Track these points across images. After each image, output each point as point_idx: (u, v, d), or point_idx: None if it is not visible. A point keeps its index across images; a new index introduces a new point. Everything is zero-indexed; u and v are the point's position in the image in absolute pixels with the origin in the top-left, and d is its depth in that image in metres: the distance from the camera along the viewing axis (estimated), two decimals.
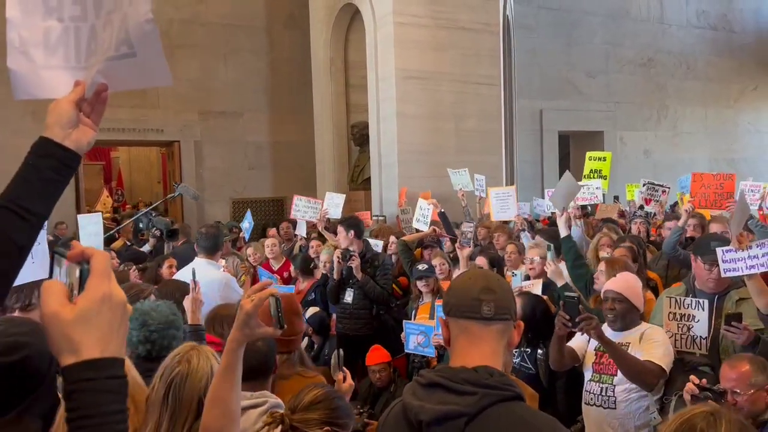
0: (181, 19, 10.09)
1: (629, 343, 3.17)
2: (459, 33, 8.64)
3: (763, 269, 3.17)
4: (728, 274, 3.29)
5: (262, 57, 10.73)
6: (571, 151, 13.07)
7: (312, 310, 5.03)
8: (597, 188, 5.93)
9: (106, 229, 7.69)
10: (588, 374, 3.29)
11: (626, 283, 3.26)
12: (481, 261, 4.94)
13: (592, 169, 6.33)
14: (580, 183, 6.17)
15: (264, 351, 2.26)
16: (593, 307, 3.96)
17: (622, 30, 12.89)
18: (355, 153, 9.73)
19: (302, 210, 6.77)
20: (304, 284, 5.74)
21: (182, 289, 3.36)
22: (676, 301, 3.56)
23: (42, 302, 0.88)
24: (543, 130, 12.15)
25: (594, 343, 3.30)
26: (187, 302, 3.16)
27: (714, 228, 4.98)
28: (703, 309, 3.42)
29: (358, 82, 9.60)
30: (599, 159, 6.85)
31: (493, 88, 8.99)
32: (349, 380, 2.69)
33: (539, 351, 3.85)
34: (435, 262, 5.02)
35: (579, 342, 3.42)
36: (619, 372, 3.12)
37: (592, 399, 3.21)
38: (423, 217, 6.06)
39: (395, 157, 8.39)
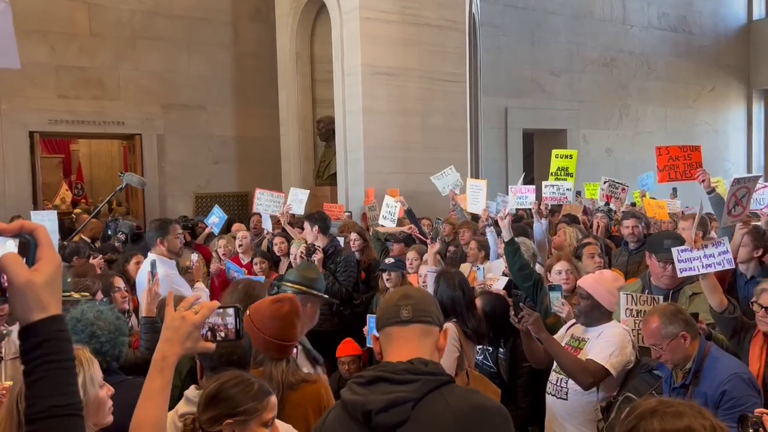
0: (144, 10, 9.88)
1: (589, 339, 3.22)
2: (425, 29, 8.66)
3: (719, 268, 3.22)
4: (684, 274, 3.34)
5: (226, 50, 10.59)
6: (535, 149, 13.23)
7: None
8: (567, 189, 5.99)
9: (68, 230, 7.57)
10: (554, 364, 3.33)
11: (596, 282, 3.27)
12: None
13: (559, 167, 6.38)
14: (548, 182, 6.26)
15: (245, 346, 2.19)
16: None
17: (585, 30, 13.08)
18: (321, 148, 9.68)
19: (265, 204, 6.71)
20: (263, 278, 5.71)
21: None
22: (633, 297, 3.63)
23: (12, 272, 1.03)
24: (508, 127, 12.27)
25: (567, 336, 3.35)
26: (144, 294, 3.15)
27: (682, 225, 5.09)
28: (656, 304, 3.50)
29: (324, 77, 9.54)
30: (566, 157, 6.92)
31: (459, 85, 9.03)
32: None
33: (501, 349, 3.88)
34: (409, 255, 5.02)
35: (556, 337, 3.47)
36: None
37: (550, 388, 3.26)
38: (390, 215, 6.06)
39: (361, 152, 8.37)
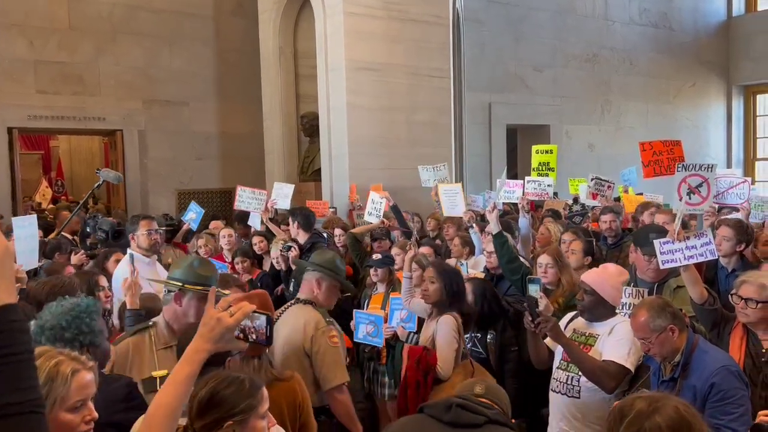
0: (125, 4, 9.76)
1: (598, 335, 3.21)
2: (410, 25, 8.64)
3: (702, 259, 3.27)
4: (666, 266, 3.38)
5: (208, 45, 10.49)
6: (518, 144, 13.28)
7: None
8: (549, 185, 6.03)
9: (49, 226, 7.44)
10: (556, 362, 3.33)
11: (599, 277, 3.26)
12: (426, 250, 5.02)
13: (540, 163, 6.41)
14: (530, 177, 6.29)
15: None
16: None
17: (568, 26, 13.15)
18: (305, 144, 9.63)
19: (246, 201, 6.61)
20: (247, 277, 5.67)
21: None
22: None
23: None
24: (491, 123, 12.31)
25: (568, 332, 3.34)
26: (124, 287, 3.19)
27: (659, 219, 5.15)
28: (643, 297, 3.53)
29: (308, 72, 9.49)
30: (546, 152, 6.96)
31: (444, 80, 9.03)
32: None
33: (489, 335, 3.92)
34: (393, 252, 5.00)
35: None
36: None
37: (557, 387, 3.23)
38: (375, 210, 6.05)
39: (346, 148, 8.34)
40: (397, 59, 8.55)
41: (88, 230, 7.01)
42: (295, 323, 3.21)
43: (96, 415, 1.82)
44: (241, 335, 1.68)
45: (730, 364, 2.67)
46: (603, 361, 3.03)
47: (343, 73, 8.23)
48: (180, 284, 2.73)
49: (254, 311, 1.67)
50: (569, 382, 3.19)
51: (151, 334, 2.74)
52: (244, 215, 7.00)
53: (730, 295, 3.12)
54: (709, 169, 4.50)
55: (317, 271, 3.33)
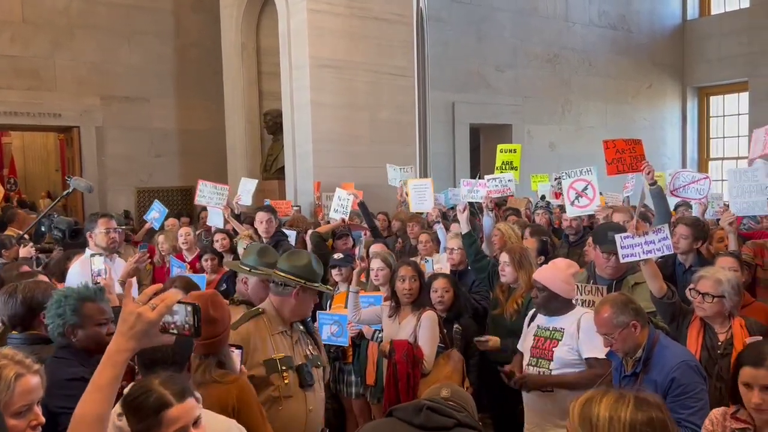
0: None
1: (563, 329, 3.26)
2: (373, 23, 8.63)
3: (659, 254, 3.36)
4: (626, 259, 3.46)
5: (168, 41, 10.30)
6: (481, 143, 13.39)
7: None
8: (510, 181, 6.09)
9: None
10: (526, 359, 3.37)
11: (549, 273, 3.34)
12: (379, 247, 5.08)
13: (504, 161, 6.50)
14: (492, 176, 6.36)
15: (185, 342, 2.13)
16: (500, 297, 4.11)
17: (529, 26, 13.30)
18: (268, 141, 9.54)
19: (207, 196, 6.48)
20: (213, 276, 5.59)
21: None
22: (579, 287, 3.73)
23: None
24: (455, 122, 12.37)
25: (533, 329, 3.40)
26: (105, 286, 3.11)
27: (617, 218, 5.25)
28: (602, 294, 3.61)
29: (270, 69, 9.40)
30: (510, 151, 7.04)
31: (407, 79, 9.05)
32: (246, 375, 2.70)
33: (455, 326, 3.98)
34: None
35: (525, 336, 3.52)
36: (555, 356, 3.22)
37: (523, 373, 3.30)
38: (341, 207, 6.01)
39: (310, 146, 8.29)
40: (360, 57, 8.53)
41: (42, 229, 6.81)
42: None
43: (43, 420, 1.75)
44: (166, 330, 1.52)
45: (690, 359, 2.74)
46: (586, 360, 3.14)
47: (307, 70, 8.18)
48: (295, 278, 2.95)
49: (179, 301, 1.53)
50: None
51: (264, 320, 2.95)
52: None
53: (687, 290, 3.20)
54: (590, 172, 4.75)
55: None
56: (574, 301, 3.49)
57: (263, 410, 2.54)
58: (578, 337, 3.18)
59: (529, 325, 3.49)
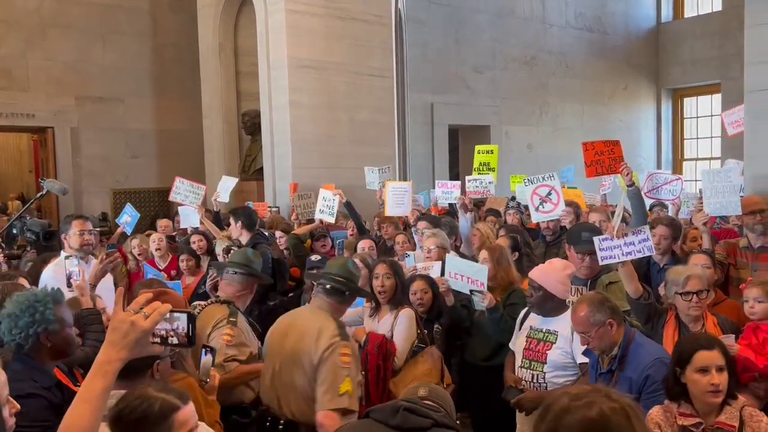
0: None
1: (557, 332, 3.28)
2: (351, 24, 8.62)
3: (640, 255, 3.39)
4: (606, 262, 3.48)
5: (144, 40, 10.19)
6: (460, 144, 13.45)
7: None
8: (489, 182, 6.13)
9: None
10: (518, 360, 3.38)
11: (545, 273, 3.35)
12: (366, 243, 5.11)
13: (481, 162, 6.54)
14: (471, 177, 6.39)
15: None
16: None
17: (507, 28, 13.39)
18: (247, 142, 9.48)
19: (183, 193, 6.36)
20: (191, 279, 5.54)
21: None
22: None
23: None
24: (434, 123, 12.41)
25: (525, 330, 3.41)
26: (76, 288, 3.21)
27: (593, 218, 5.31)
28: (579, 293, 3.64)
29: (248, 70, 9.35)
30: (487, 152, 7.08)
31: (386, 80, 9.05)
32: (218, 377, 2.74)
33: (435, 326, 4.00)
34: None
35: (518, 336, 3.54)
36: (549, 359, 3.23)
37: (524, 386, 3.29)
38: (328, 208, 5.96)
39: (288, 147, 8.25)
40: (338, 58, 8.52)
41: (14, 232, 6.68)
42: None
43: (18, 406, 1.70)
44: (159, 339, 1.48)
45: (664, 357, 2.78)
46: (580, 365, 3.16)
47: (285, 71, 8.15)
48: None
49: (171, 310, 1.49)
50: (535, 380, 3.25)
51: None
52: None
53: (664, 294, 3.25)
54: (552, 178, 4.82)
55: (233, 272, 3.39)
56: (567, 302, 3.52)
57: (209, 412, 2.53)
58: (572, 341, 3.19)
59: (521, 325, 3.50)
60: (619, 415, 1.33)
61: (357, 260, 4.34)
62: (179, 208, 6.76)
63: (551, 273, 3.34)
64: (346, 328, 3.02)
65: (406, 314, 3.66)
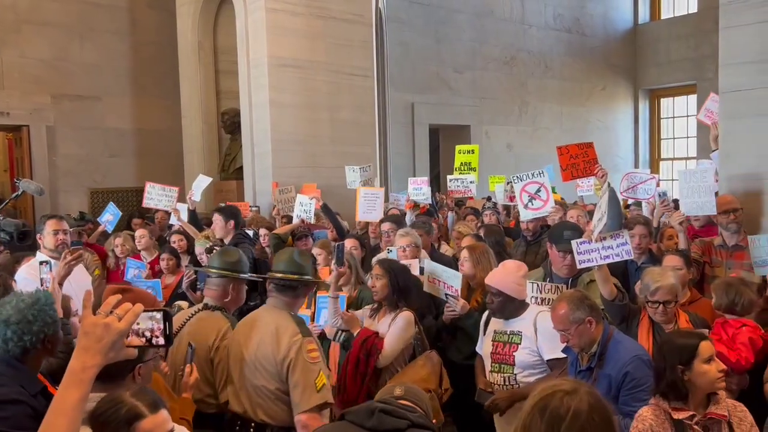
0: None
1: (521, 332, 3.30)
2: (332, 23, 8.61)
3: (618, 259, 3.38)
4: (583, 265, 3.49)
5: (123, 38, 10.07)
6: (440, 144, 13.50)
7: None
8: (471, 182, 6.17)
9: None
10: (487, 365, 3.39)
11: (500, 277, 3.37)
12: (352, 242, 5.09)
13: (462, 162, 6.59)
14: (452, 176, 6.43)
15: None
16: (465, 296, 4.15)
17: (487, 29, 13.46)
18: (226, 141, 9.42)
19: (156, 198, 6.43)
20: (171, 278, 5.53)
21: None
22: (537, 285, 3.79)
23: None
24: (414, 122, 12.44)
25: (490, 334, 3.43)
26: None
27: (572, 213, 5.36)
28: (560, 292, 3.67)
29: (228, 68, 9.29)
30: (468, 152, 7.13)
31: (367, 79, 9.05)
32: (195, 374, 2.73)
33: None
34: (315, 251, 4.98)
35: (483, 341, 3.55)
36: (516, 360, 3.25)
37: (496, 390, 3.31)
38: (305, 213, 5.94)
39: (269, 146, 8.22)
40: (319, 57, 8.50)
41: None
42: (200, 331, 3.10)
43: None
44: (134, 339, 1.43)
45: (642, 354, 2.82)
46: (547, 362, 3.18)
47: (266, 69, 8.11)
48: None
49: (146, 310, 1.43)
50: (507, 383, 3.27)
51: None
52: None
53: (644, 301, 3.29)
54: (542, 175, 4.84)
55: (217, 276, 3.23)
56: (528, 300, 3.54)
57: (173, 407, 2.50)
58: (537, 339, 3.22)
59: (485, 329, 3.53)
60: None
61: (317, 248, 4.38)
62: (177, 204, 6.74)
63: (507, 276, 3.38)
64: (305, 324, 2.99)
65: (403, 317, 3.60)
